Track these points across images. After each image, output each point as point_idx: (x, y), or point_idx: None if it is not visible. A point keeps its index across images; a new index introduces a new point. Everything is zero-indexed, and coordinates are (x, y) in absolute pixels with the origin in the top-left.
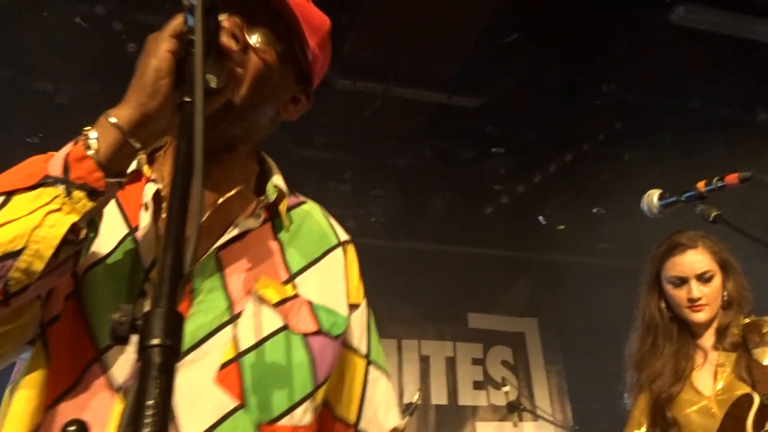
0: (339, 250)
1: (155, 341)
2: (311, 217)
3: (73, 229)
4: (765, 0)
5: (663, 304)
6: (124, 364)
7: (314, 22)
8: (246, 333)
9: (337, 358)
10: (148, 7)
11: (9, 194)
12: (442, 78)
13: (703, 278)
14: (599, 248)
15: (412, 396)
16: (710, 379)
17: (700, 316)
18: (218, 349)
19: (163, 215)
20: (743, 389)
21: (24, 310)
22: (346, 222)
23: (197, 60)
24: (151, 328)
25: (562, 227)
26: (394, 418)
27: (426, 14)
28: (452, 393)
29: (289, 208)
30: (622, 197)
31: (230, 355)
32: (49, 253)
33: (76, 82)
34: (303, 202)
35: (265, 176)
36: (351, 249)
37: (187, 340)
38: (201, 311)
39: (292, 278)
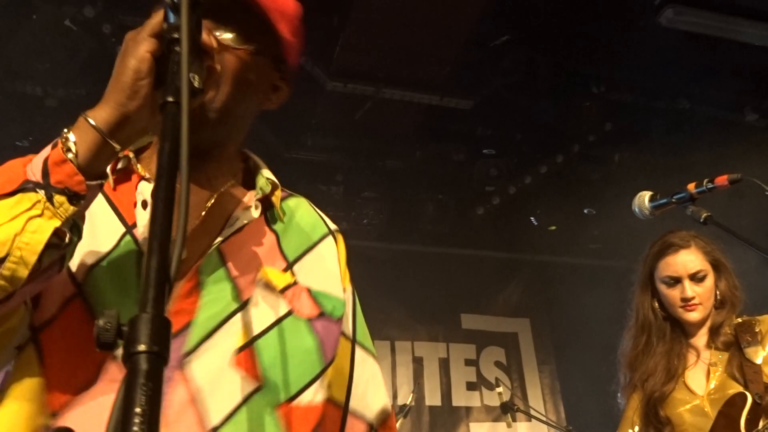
0: (330, 238)
1: (141, 347)
2: (301, 209)
3: (57, 233)
4: (753, 2)
5: (656, 304)
6: None
7: (284, 9)
8: (256, 318)
9: (338, 338)
10: (137, 10)
11: None
12: (433, 80)
13: (696, 278)
14: (591, 249)
15: (406, 397)
16: (703, 378)
17: (693, 316)
18: (231, 336)
19: None
20: (736, 388)
21: (10, 314)
22: (338, 224)
23: (183, 59)
24: (137, 334)
25: (553, 228)
26: (383, 398)
27: (416, 16)
28: (446, 394)
29: (281, 200)
30: (612, 198)
31: (244, 340)
32: (33, 259)
33: (65, 86)
34: (291, 195)
35: (250, 171)
36: (340, 238)
37: (200, 330)
38: (210, 302)
39: (290, 266)
